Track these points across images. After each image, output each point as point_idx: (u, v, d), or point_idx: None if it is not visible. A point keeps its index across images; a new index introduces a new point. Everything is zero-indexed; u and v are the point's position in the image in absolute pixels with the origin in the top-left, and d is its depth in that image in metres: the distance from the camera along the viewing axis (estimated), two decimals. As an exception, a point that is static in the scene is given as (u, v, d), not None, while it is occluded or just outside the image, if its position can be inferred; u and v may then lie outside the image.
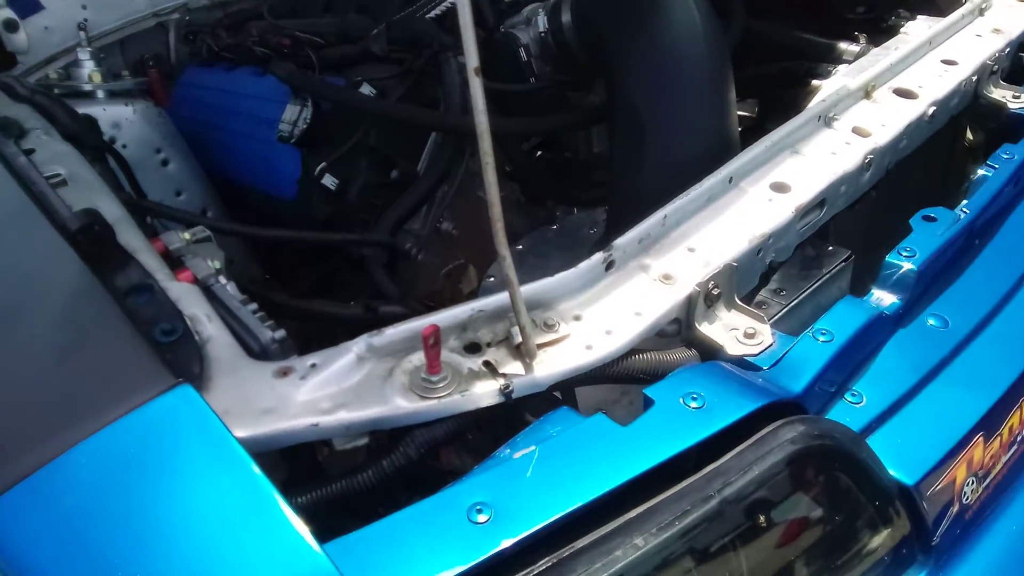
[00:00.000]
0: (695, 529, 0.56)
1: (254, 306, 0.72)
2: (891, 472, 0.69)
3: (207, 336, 0.65)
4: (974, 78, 1.05)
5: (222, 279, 0.75)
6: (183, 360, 0.61)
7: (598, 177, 1.28)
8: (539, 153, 1.38)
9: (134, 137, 1.15)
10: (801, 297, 0.94)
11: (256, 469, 0.51)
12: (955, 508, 0.73)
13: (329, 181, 1.06)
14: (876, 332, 0.76)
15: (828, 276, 0.97)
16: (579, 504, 0.55)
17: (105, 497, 0.50)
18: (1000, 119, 1.07)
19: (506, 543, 0.52)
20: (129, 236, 0.75)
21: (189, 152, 1.21)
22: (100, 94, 1.20)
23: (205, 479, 0.51)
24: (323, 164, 1.05)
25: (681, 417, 0.61)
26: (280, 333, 0.69)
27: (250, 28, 1.31)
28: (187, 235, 0.80)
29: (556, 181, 1.27)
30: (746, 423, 0.62)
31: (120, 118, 1.16)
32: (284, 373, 0.63)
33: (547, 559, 0.52)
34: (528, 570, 0.52)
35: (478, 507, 0.54)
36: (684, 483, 0.57)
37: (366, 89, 1.06)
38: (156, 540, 0.49)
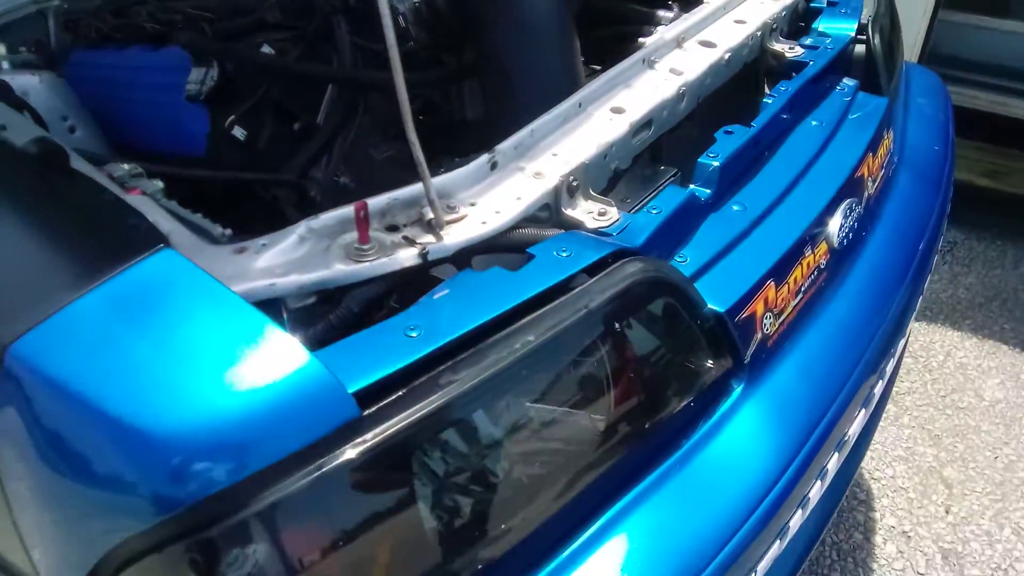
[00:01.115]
0: (571, 330, 0.76)
1: (200, 214, 0.85)
2: (709, 304, 0.93)
3: (167, 231, 0.78)
4: (759, 33, 1.34)
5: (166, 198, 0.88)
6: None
7: (475, 135, 1.48)
8: (421, 117, 1.56)
9: (41, 104, 1.22)
10: (640, 204, 1.18)
11: (242, 300, 0.65)
12: (758, 335, 0.99)
13: (239, 132, 1.18)
14: (693, 211, 1.00)
15: (660, 187, 1.22)
16: (487, 319, 0.74)
17: (121, 327, 0.62)
18: (782, 65, 1.36)
19: (434, 348, 0.70)
20: (78, 164, 0.86)
21: (93, 120, 1.29)
22: (5, 65, 1.26)
23: (203, 311, 0.65)
24: (232, 116, 1.18)
25: (555, 262, 0.82)
26: (228, 230, 0.83)
27: (137, 10, 1.41)
28: (127, 166, 0.92)
29: (439, 138, 1.45)
30: (602, 265, 0.84)
31: (28, 87, 1.22)
32: (240, 251, 0.77)
33: (466, 353, 0.71)
34: (452, 361, 0.70)
35: (411, 327, 0.72)
36: (560, 300, 0.77)
37: (266, 49, 1.20)
38: (175, 358, 0.62)
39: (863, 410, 1.05)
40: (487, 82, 1.18)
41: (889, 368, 1.14)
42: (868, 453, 2.23)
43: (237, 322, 0.64)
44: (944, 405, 2.39)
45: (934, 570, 1.92)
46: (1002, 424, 2.32)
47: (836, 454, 0.99)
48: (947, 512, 2.06)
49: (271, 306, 0.76)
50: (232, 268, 0.75)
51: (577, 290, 0.78)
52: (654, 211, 0.94)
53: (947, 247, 3.08)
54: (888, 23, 1.51)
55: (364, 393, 0.64)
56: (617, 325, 0.80)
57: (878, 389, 1.11)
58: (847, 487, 1.27)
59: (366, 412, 0.63)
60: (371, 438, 0.62)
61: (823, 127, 1.27)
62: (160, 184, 0.89)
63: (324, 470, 0.59)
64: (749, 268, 0.98)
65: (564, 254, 0.82)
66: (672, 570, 0.78)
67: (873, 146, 1.27)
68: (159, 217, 0.80)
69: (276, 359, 0.62)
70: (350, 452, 0.61)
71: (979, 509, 2.07)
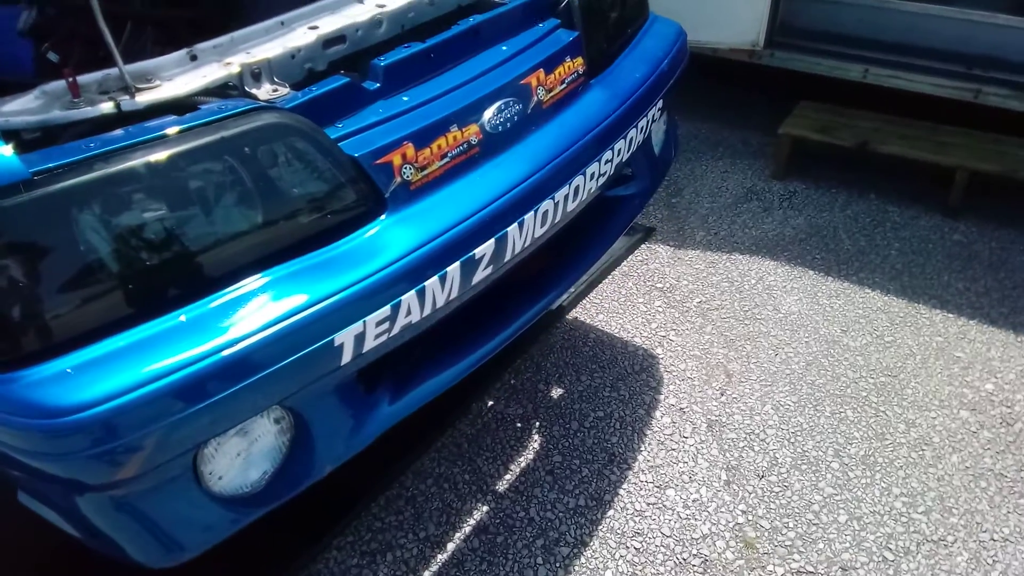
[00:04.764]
0: (208, 148, 1.15)
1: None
2: (344, 151, 1.32)
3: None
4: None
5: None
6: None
7: None
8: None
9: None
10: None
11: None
12: (399, 179, 1.38)
13: (53, 56, 1.58)
14: (354, 95, 1.40)
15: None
16: (144, 138, 1.13)
17: None
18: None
19: (100, 151, 1.10)
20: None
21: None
22: None
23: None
24: (46, 44, 1.58)
25: (213, 112, 1.21)
26: (-5, 97, 1.23)
27: None
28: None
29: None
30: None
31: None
32: (-11, 102, 1.18)
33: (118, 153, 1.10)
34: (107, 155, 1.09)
35: (91, 143, 1.11)
36: (206, 132, 1.16)
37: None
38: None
39: (492, 241, 1.44)
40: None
41: (531, 225, 1.52)
42: (668, 351, 2.62)
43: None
44: (745, 317, 2.79)
45: (698, 434, 2.32)
46: (790, 330, 2.71)
47: (458, 263, 1.38)
48: (722, 394, 2.46)
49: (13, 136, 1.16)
50: (-21, 112, 1.15)
51: (218, 124, 1.18)
52: (314, 90, 1.34)
53: (786, 195, 3.49)
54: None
55: (43, 169, 1.04)
56: (251, 152, 1.19)
57: (515, 237, 1.49)
58: (519, 324, 1.66)
59: (34, 176, 1.02)
60: (36, 188, 1.02)
61: (509, 50, 1.67)
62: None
63: (5, 203, 0.99)
64: (390, 133, 1.38)
65: (223, 107, 1.22)
66: (309, 303, 1.17)
67: (548, 64, 1.67)
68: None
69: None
70: (21, 198, 1.01)
71: (749, 392, 2.46)
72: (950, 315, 2.75)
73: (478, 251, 1.42)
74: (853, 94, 3.64)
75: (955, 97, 3.31)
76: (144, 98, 1.22)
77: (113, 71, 1.24)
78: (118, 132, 1.15)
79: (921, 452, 2.24)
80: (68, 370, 1.04)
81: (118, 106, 1.20)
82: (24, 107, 1.18)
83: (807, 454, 2.25)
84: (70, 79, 1.16)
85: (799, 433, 2.31)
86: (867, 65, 3.50)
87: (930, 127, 3.41)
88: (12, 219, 1.01)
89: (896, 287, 2.89)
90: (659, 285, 2.96)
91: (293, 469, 1.33)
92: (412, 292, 1.32)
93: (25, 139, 1.17)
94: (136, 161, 1.10)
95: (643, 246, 3.16)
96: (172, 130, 1.15)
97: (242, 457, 1.26)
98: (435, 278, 1.35)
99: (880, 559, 1.96)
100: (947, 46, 3.38)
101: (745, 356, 2.60)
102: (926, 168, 3.30)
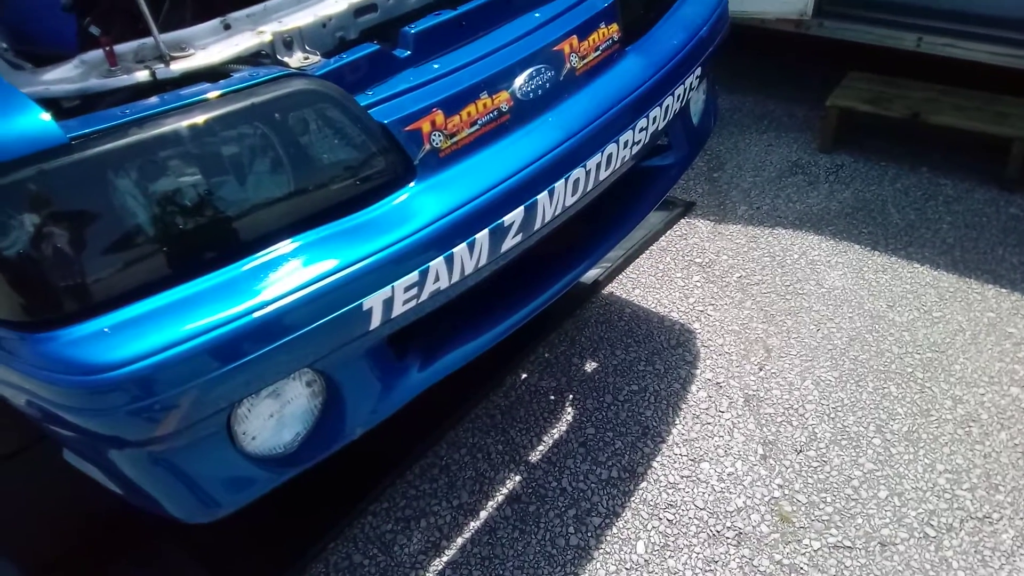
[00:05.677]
0: (242, 113, 1.17)
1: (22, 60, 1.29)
2: (374, 118, 1.33)
3: (-5, 63, 1.23)
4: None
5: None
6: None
7: None
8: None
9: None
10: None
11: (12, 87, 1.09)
12: (428, 146, 1.38)
13: (94, 30, 1.62)
14: (383, 63, 1.40)
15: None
16: (179, 104, 1.15)
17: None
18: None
19: (134, 117, 1.12)
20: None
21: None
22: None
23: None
24: (88, 19, 1.61)
25: (244, 79, 1.23)
26: (29, 65, 1.27)
27: None
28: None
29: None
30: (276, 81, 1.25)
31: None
32: (34, 72, 1.21)
33: (153, 119, 1.13)
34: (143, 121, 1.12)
35: (125, 110, 1.14)
36: (238, 98, 1.18)
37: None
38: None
39: (522, 209, 1.43)
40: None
41: (562, 193, 1.51)
42: (705, 326, 2.59)
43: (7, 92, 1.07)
44: (786, 292, 2.73)
45: (734, 409, 2.29)
46: (833, 305, 2.65)
47: (487, 231, 1.38)
48: (760, 369, 2.42)
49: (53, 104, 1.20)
50: (24, 79, 1.18)
51: (249, 91, 1.19)
52: (344, 57, 1.35)
53: (833, 169, 3.39)
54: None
55: (81, 135, 1.07)
56: (282, 118, 1.21)
57: (545, 205, 1.48)
58: (549, 294, 1.66)
59: (72, 141, 1.05)
60: (74, 153, 1.05)
61: (542, 17, 1.65)
62: (5, 45, 1.33)
63: (45, 167, 1.02)
64: (420, 100, 1.38)
65: (254, 74, 1.24)
66: (338, 268, 1.19)
67: (582, 31, 1.65)
68: (-6, 58, 1.25)
69: (21, 111, 1.05)
70: (59, 161, 1.04)
71: (789, 367, 2.42)
72: (1003, 290, 2.65)
73: (507, 219, 1.41)
74: (905, 65, 3.50)
75: (1014, 66, 3.16)
76: (178, 66, 1.25)
77: (148, 40, 1.26)
78: (153, 99, 1.17)
79: (968, 429, 2.17)
80: (105, 329, 1.07)
81: (153, 74, 1.22)
82: (63, 76, 1.21)
83: (848, 429, 2.20)
84: (107, 48, 1.19)
85: (840, 408, 2.27)
86: (921, 33, 3.36)
87: (987, 97, 3.27)
88: (50, 182, 1.04)
89: (947, 261, 2.80)
90: (698, 260, 2.92)
91: (325, 431, 1.36)
92: (440, 259, 1.32)
93: (64, 107, 1.20)
94: (170, 127, 1.12)
95: (682, 221, 3.12)
96: (205, 97, 1.17)
97: (275, 418, 1.29)
98: (463, 245, 1.35)
99: (921, 535, 1.91)
100: (1007, 12, 3.22)
101: (785, 331, 2.55)
102: (981, 140, 3.16)
